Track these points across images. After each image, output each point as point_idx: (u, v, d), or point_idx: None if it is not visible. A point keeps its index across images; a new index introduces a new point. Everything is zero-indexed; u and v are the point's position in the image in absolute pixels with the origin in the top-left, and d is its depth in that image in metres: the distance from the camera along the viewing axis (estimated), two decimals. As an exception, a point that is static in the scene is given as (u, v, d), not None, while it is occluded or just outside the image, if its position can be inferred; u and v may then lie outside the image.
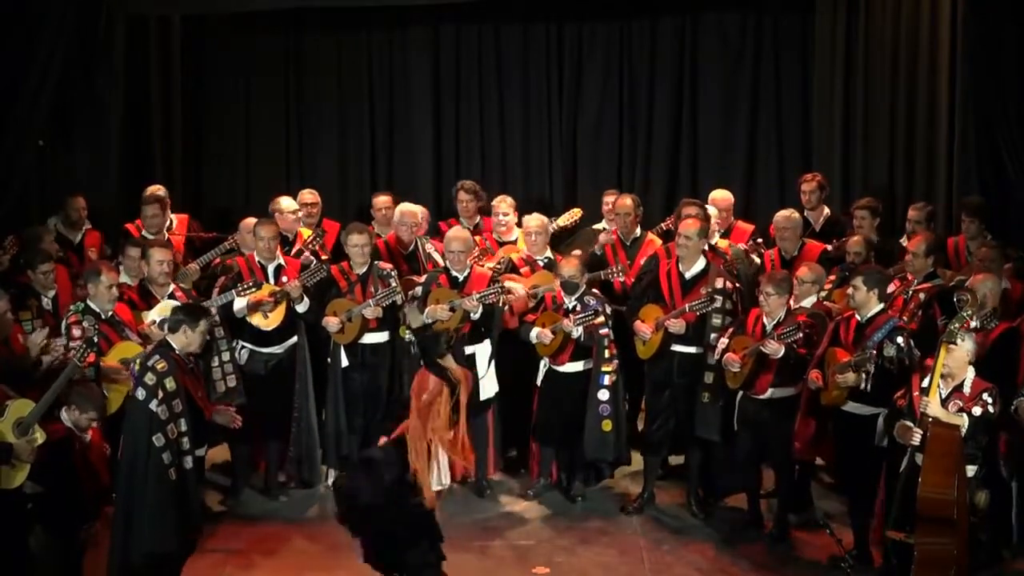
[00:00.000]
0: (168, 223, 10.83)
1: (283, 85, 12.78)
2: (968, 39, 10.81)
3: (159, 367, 7.52)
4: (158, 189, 11.00)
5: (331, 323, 9.59)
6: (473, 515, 9.46)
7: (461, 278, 9.70)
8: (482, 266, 9.98)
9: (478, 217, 11.03)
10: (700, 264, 9.38)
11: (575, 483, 9.82)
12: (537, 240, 10.22)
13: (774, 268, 9.90)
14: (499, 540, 8.90)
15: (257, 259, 9.75)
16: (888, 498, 7.94)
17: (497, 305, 9.56)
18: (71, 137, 11.46)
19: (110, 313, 8.85)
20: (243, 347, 9.53)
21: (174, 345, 7.71)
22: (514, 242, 10.58)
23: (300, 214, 10.66)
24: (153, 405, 7.44)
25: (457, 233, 9.88)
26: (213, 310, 9.06)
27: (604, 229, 10.78)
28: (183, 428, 7.56)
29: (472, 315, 9.49)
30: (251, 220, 10.19)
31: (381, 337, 9.76)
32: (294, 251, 10.29)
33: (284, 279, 9.62)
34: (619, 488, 10.01)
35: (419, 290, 9.75)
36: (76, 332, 8.61)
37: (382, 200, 10.95)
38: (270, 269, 9.73)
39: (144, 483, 7.46)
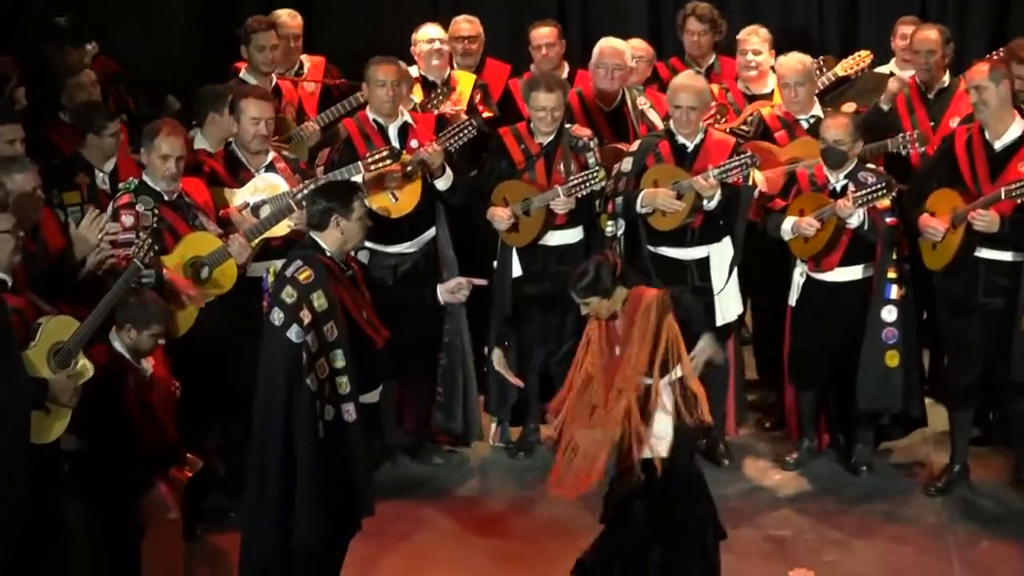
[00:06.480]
0: (296, 65, 9.20)
1: None
2: None
3: (302, 278, 6.13)
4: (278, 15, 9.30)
5: (500, 216, 8.04)
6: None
7: (691, 147, 8.08)
8: (722, 130, 8.38)
9: (713, 57, 9.38)
10: (1017, 129, 7.65)
11: (857, 446, 8.27)
12: (798, 92, 8.49)
13: None
14: (745, 528, 7.55)
15: (372, 117, 8.03)
16: None
17: (745, 186, 7.95)
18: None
19: (176, 194, 7.35)
20: (360, 245, 8.12)
21: (324, 246, 6.28)
22: (769, 95, 8.95)
23: (450, 48, 9.01)
24: (294, 333, 6.06)
25: (686, 80, 8.17)
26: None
27: (893, 74, 9.05)
28: (339, 364, 6.15)
29: (707, 202, 7.88)
30: None
31: (572, 236, 8.15)
32: (430, 104, 8.67)
33: (414, 143, 7.95)
34: (915, 457, 8.50)
35: (627, 164, 8.05)
36: (126, 220, 7.15)
37: (542, 33, 9.22)
38: (392, 131, 7.97)
39: (286, 443, 6.16)
